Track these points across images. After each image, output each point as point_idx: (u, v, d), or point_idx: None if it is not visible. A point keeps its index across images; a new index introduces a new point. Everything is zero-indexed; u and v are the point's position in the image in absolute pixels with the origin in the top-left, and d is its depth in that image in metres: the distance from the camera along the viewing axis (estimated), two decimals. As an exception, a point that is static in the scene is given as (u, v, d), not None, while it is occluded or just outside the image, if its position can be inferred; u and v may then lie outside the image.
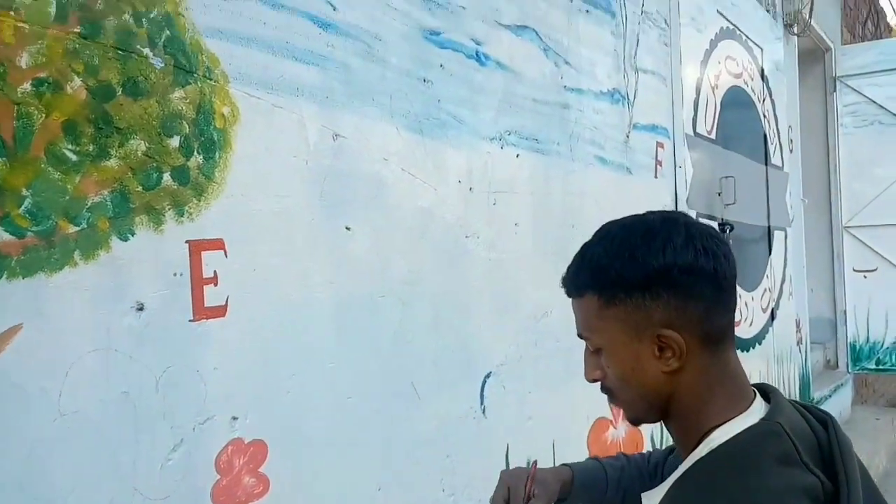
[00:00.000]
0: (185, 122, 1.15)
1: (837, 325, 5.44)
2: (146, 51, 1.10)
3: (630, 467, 1.07)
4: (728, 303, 0.81)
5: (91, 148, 1.02)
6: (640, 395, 0.81)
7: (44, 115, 0.97)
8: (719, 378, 0.80)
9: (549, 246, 2.03)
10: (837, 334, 5.45)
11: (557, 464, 1.08)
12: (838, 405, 5.09)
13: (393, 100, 1.54)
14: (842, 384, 5.25)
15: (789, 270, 4.13)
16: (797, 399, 4.03)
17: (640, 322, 0.78)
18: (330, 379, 1.36)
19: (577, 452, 2.10)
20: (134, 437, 1.04)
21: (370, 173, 1.48)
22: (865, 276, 5.33)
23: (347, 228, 1.43)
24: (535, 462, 1.02)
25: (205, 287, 1.15)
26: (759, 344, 3.60)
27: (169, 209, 1.12)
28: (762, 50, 3.87)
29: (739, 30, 3.54)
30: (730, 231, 3.20)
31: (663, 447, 1.08)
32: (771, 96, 3.99)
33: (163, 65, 1.12)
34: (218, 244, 1.18)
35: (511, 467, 1.67)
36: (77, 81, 1.01)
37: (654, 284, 0.77)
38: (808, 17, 4.46)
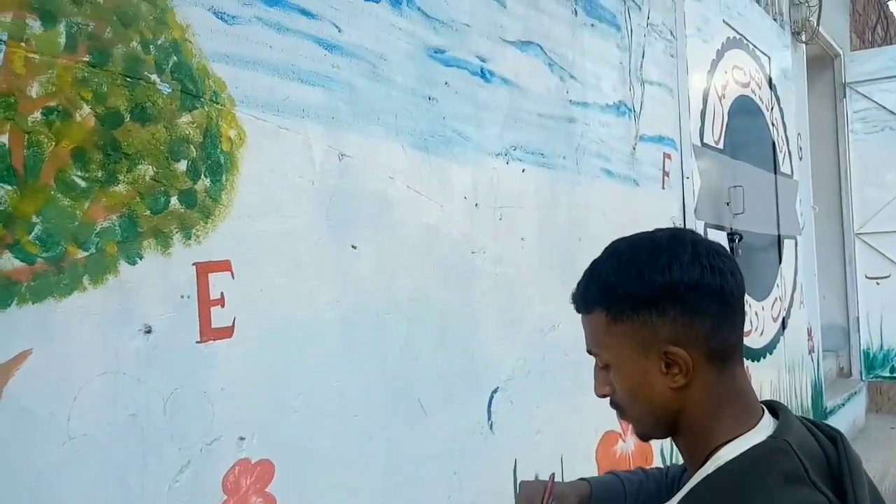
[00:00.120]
0: (192, 146, 1.16)
1: (850, 332, 5.40)
2: (154, 77, 1.12)
3: (648, 482, 1.07)
4: (735, 320, 0.82)
5: (100, 174, 1.04)
6: (647, 411, 0.82)
7: (54, 143, 0.99)
8: (727, 395, 0.80)
9: (555, 259, 2.04)
10: (850, 341, 5.40)
11: (566, 479, 1.08)
12: (852, 414, 5.04)
13: (398, 118, 1.55)
14: (855, 392, 5.20)
15: (800, 279, 4.11)
16: (809, 409, 3.99)
17: (647, 339, 0.79)
18: (336, 397, 1.37)
19: (585, 466, 2.09)
20: (142, 460, 1.06)
21: (376, 192, 1.50)
22: (878, 283, 5.29)
23: (353, 247, 1.44)
24: (553, 475, 1.02)
25: (212, 308, 1.17)
26: (770, 353, 3.58)
27: (176, 232, 1.13)
28: (769, 58, 3.86)
29: (746, 39, 3.54)
30: (739, 240, 3.19)
31: (674, 461, 1.08)
32: (779, 104, 3.98)
33: (170, 90, 1.13)
34: (225, 266, 1.19)
35: (519, 482, 1.67)
36: (86, 109, 1.02)
37: (661, 301, 0.78)
38: (816, 24, 4.44)
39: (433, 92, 1.65)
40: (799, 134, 4.38)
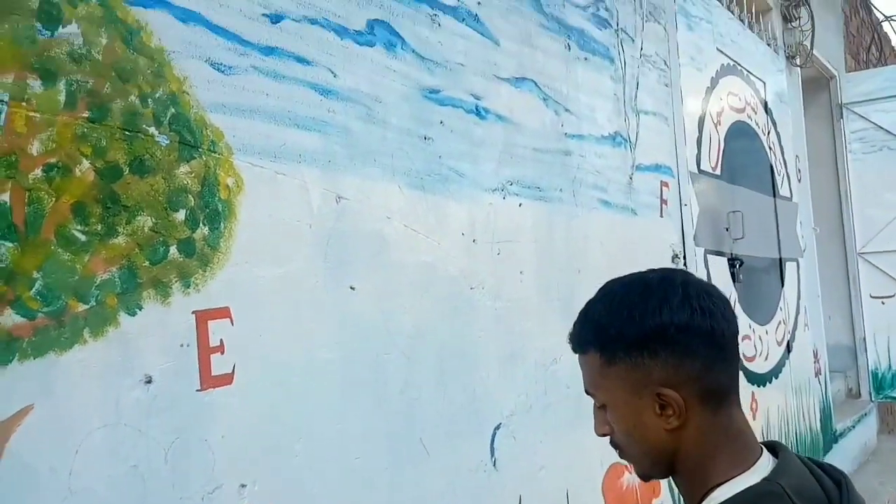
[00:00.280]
0: (190, 196, 1.18)
1: (857, 352, 5.36)
2: (152, 129, 1.14)
3: None
4: (727, 361, 0.82)
5: (99, 227, 1.05)
6: (644, 451, 0.83)
7: (54, 199, 1.01)
8: (722, 435, 0.80)
9: (554, 292, 2.04)
10: (858, 362, 5.36)
11: None
12: (863, 436, 4.98)
13: (394, 159, 1.58)
14: (865, 413, 5.15)
15: (804, 301, 4.09)
16: (819, 432, 3.94)
17: (640, 380, 0.80)
18: (337, 441, 1.37)
19: (592, 501, 2.08)
20: (143, 511, 1.06)
21: (373, 232, 1.51)
22: (883, 303, 5.27)
23: (352, 288, 1.45)
24: None
25: (211, 356, 1.17)
26: (776, 377, 3.56)
27: (176, 281, 1.14)
28: (765, 83, 3.90)
29: (740, 65, 3.58)
30: (740, 266, 3.20)
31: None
32: (776, 128, 4.01)
33: (168, 142, 1.16)
34: (224, 312, 1.21)
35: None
36: (85, 164, 1.05)
37: (652, 343, 0.79)
38: (810, 47, 4.49)
39: (428, 131, 1.68)
40: (797, 156, 4.40)
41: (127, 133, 1.10)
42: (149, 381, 1.08)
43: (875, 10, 6.58)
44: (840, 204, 5.38)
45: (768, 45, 4.11)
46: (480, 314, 1.78)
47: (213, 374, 1.17)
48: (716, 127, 3.25)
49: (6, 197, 0.96)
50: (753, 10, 3.97)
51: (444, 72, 1.74)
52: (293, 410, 1.30)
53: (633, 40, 2.60)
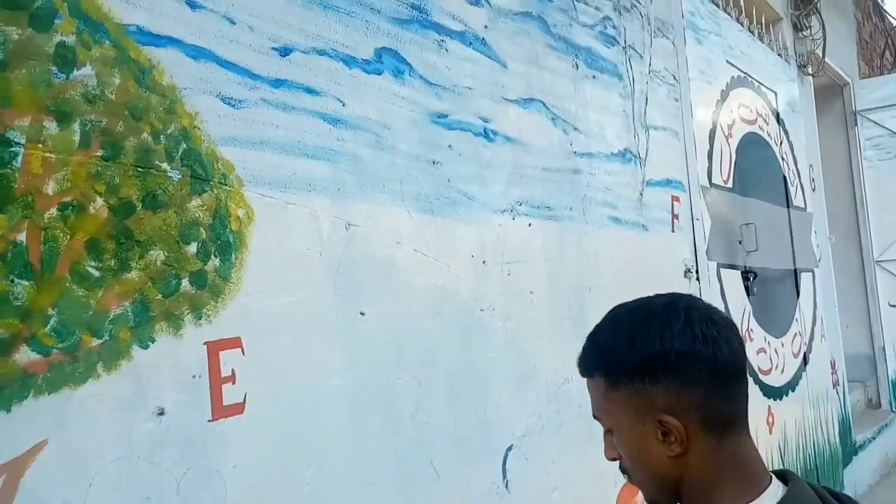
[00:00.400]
0: (202, 229, 1.20)
1: (877, 361, 5.29)
2: (164, 165, 1.16)
3: None
4: (732, 389, 0.82)
5: (113, 262, 1.08)
6: (649, 477, 0.83)
7: (69, 237, 1.03)
8: (727, 463, 0.80)
9: (565, 311, 2.04)
10: (878, 372, 5.29)
11: None
12: (884, 447, 4.91)
13: (403, 184, 1.59)
14: (886, 424, 5.07)
15: (820, 312, 4.05)
16: (838, 445, 3.88)
17: (642, 406, 0.80)
18: (348, 466, 1.38)
19: (605, 520, 2.07)
20: (156, 542, 1.07)
21: (383, 257, 1.53)
22: (902, 311, 5.20)
23: (362, 314, 1.46)
24: None
25: (223, 386, 1.19)
26: (793, 390, 3.52)
27: (187, 313, 1.16)
28: (776, 93, 3.88)
29: (751, 77, 3.57)
30: (754, 279, 3.18)
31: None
32: (788, 138, 3.98)
33: (180, 176, 1.18)
34: (235, 343, 1.22)
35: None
36: (99, 201, 1.07)
37: (653, 369, 0.79)
38: (822, 56, 4.47)
39: (437, 155, 1.69)
40: (811, 165, 4.37)
41: (140, 169, 1.13)
42: (161, 413, 1.10)
43: (888, 16, 6.52)
44: (856, 212, 5.33)
45: (779, 55, 4.09)
46: (491, 335, 1.79)
47: (224, 404, 1.19)
48: (727, 139, 3.24)
49: (23, 237, 0.98)
50: (764, 21, 3.96)
51: (452, 96, 1.76)
52: (304, 437, 1.31)
53: (641, 56, 2.61)
